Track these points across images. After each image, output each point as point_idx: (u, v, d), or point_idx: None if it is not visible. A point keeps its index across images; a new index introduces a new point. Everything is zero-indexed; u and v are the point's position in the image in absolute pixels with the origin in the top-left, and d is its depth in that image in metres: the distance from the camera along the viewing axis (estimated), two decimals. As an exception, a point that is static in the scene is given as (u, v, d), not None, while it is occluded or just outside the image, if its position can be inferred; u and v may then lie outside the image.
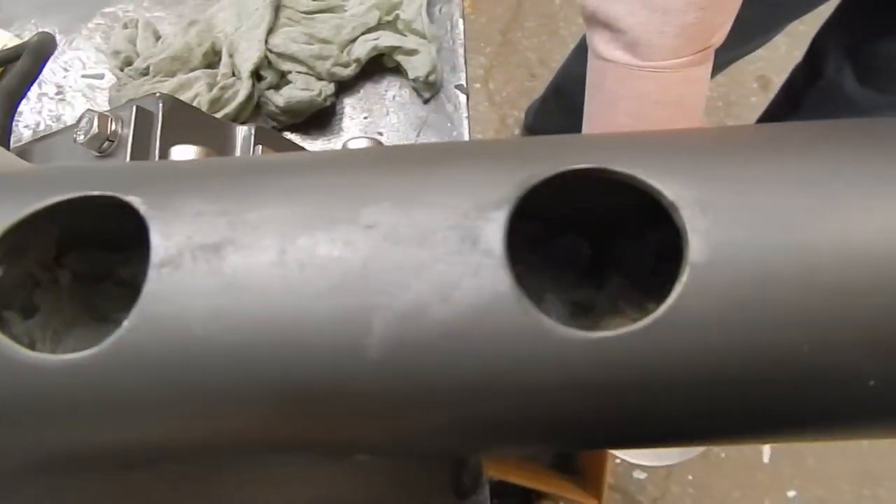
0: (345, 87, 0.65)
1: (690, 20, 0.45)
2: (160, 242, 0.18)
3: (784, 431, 0.20)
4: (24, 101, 0.63)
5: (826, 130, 0.19)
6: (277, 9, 0.62)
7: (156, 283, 0.18)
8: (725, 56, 0.94)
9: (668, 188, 0.18)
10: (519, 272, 0.25)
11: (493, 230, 0.18)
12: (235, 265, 0.18)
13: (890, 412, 0.18)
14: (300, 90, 0.61)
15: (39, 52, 0.42)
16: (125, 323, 0.18)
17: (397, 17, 0.64)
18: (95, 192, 0.19)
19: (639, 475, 1.37)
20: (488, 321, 0.17)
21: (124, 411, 0.18)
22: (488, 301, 0.17)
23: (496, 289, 0.18)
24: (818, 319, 0.16)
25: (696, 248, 0.17)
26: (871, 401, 0.17)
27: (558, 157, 0.19)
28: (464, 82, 0.66)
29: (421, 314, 0.18)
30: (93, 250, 0.26)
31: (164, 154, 0.36)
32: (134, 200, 0.19)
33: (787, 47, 1.48)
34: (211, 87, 0.59)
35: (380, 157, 0.20)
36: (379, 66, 0.65)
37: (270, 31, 0.61)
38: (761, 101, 1.58)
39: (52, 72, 0.66)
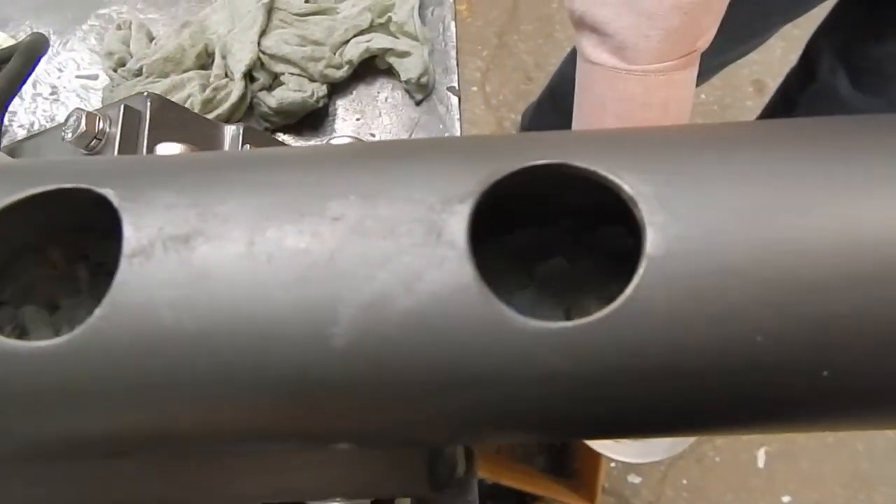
0: (337, 88, 0.65)
1: (675, 24, 0.46)
2: (132, 233, 0.19)
3: (743, 422, 0.20)
4: (18, 101, 0.64)
5: (785, 128, 0.19)
6: (270, 11, 0.62)
7: (127, 272, 0.18)
8: (718, 59, 0.94)
9: (628, 183, 0.18)
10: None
11: (458, 223, 0.18)
12: (205, 256, 0.18)
13: (845, 403, 0.18)
14: (293, 91, 0.62)
15: (30, 53, 0.42)
16: (96, 311, 0.18)
17: (389, 19, 0.64)
18: (69, 185, 0.20)
19: (633, 479, 1.37)
20: (451, 312, 0.18)
21: (92, 399, 0.18)
22: (451, 292, 0.18)
23: (459, 280, 0.18)
24: (770, 312, 0.17)
25: (653, 241, 0.17)
26: (825, 391, 0.18)
27: (523, 152, 0.19)
28: (456, 84, 0.67)
29: (386, 305, 0.18)
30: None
31: (151, 153, 0.37)
32: (107, 193, 0.19)
33: (783, 51, 1.49)
34: (204, 88, 0.60)
35: (348, 152, 0.21)
36: (371, 68, 0.66)
37: (263, 33, 0.61)
38: (756, 105, 1.58)
39: (46, 72, 0.67)
